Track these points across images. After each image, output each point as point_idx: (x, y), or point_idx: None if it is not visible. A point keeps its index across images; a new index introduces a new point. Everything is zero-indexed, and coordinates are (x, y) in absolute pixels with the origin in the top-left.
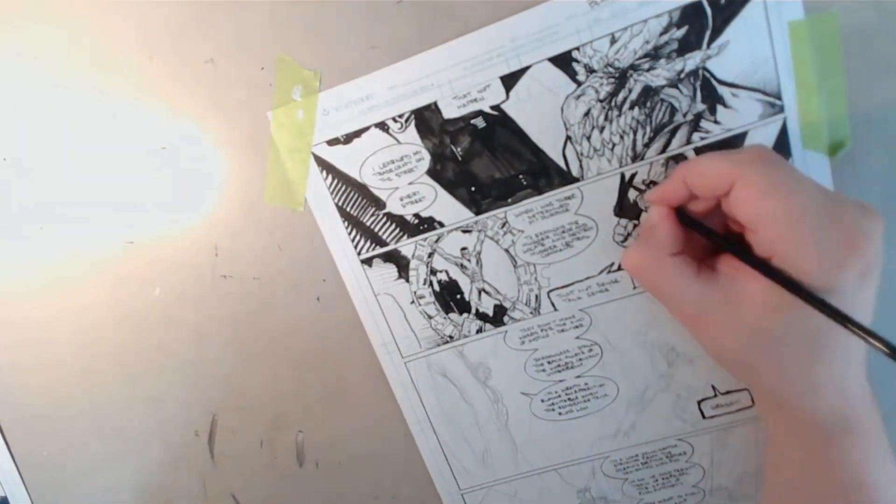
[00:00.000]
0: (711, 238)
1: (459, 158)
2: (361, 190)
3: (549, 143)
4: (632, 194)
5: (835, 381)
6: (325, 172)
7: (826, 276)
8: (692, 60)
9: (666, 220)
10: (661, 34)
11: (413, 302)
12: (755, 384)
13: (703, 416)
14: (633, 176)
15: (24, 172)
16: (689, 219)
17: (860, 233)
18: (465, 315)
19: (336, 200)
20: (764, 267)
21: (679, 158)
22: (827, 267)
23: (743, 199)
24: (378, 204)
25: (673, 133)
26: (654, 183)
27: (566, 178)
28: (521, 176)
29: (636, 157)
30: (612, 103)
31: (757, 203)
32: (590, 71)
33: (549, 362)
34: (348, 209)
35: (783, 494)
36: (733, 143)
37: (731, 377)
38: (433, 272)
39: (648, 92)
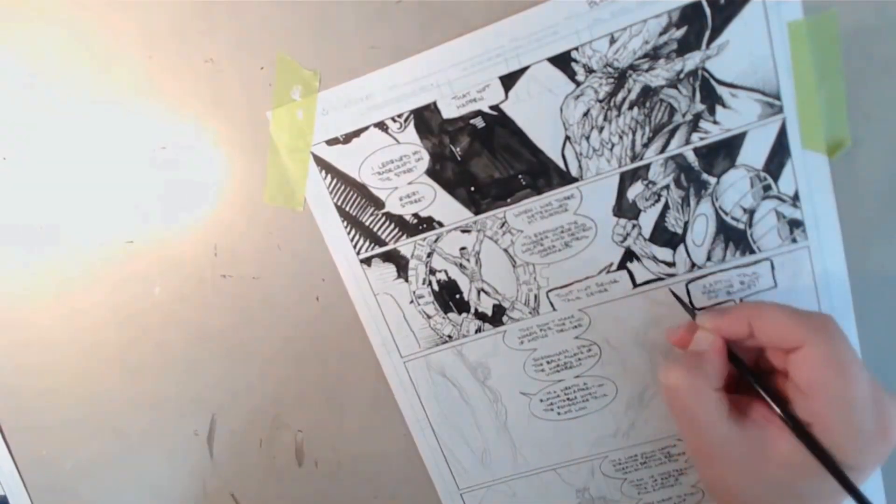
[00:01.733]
0: (758, 388)
1: (458, 158)
2: (361, 190)
3: (549, 143)
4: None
5: None
6: (324, 172)
7: (858, 458)
8: (691, 61)
9: (721, 353)
10: (661, 34)
11: (412, 301)
12: None
13: None
14: (634, 173)
15: (24, 172)
16: (736, 357)
17: (893, 425)
18: (464, 315)
19: (335, 200)
20: (806, 434)
21: (678, 159)
22: (862, 451)
23: (807, 365)
24: (377, 204)
25: (672, 133)
26: (652, 183)
27: (565, 178)
28: (520, 176)
29: (635, 158)
30: (612, 103)
31: (824, 375)
32: (589, 71)
33: (548, 362)
34: (348, 209)
35: None
36: (733, 143)
37: None
38: (432, 272)
39: (647, 92)
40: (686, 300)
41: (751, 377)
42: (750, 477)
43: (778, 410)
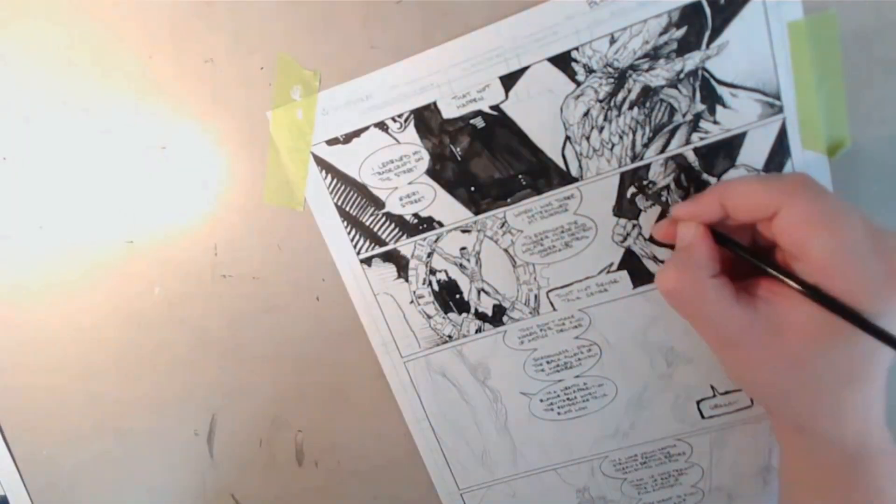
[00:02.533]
0: (755, 262)
1: (459, 158)
2: (361, 190)
3: (549, 143)
4: (632, 192)
5: (863, 408)
6: (324, 172)
7: (875, 303)
8: (691, 61)
9: (704, 239)
10: (661, 34)
11: (412, 301)
12: (781, 409)
13: (702, 416)
14: (634, 173)
15: (24, 172)
16: (726, 239)
17: None
18: (465, 315)
19: (335, 200)
20: (818, 293)
21: (678, 158)
22: (875, 294)
23: (790, 226)
24: (377, 204)
25: (672, 133)
26: (652, 183)
27: (565, 178)
28: (520, 176)
29: (635, 157)
30: (612, 103)
31: (806, 232)
32: (589, 71)
33: (548, 362)
34: (348, 209)
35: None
36: (733, 143)
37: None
38: (432, 272)
39: (648, 92)
40: (663, 199)
41: (743, 252)
42: (771, 357)
43: (779, 276)
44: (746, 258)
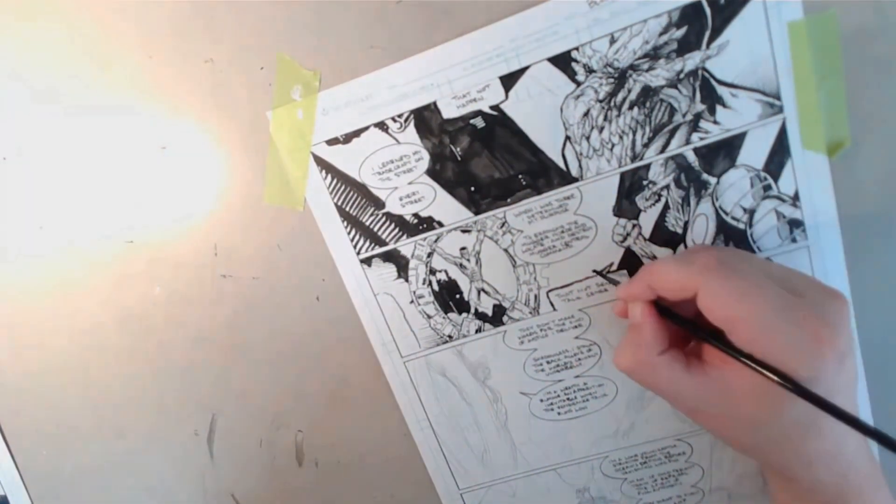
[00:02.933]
0: (696, 334)
1: (459, 158)
2: (361, 190)
3: (549, 143)
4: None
5: (829, 455)
6: (324, 172)
7: (806, 370)
8: (691, 61)
9: (648, 317)
10: (661, 34)
11: (412, 301)
12: (761, 463)
13: None
14: (634, 174)
15: (24, 172)
16: (671, 313)
17: (827, 324)
18: (465, 315)
19: (335, 200)
20: (753, 362)
21: (678, 159)
22: (803, 362)
23: (709, 306)
24: (377, 204)
25: (672, 133)
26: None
27: (565, 178)
28: (520, 176)
29: (635, 157)
30: (612, 103)
31: (724, 310)
32: (589, 71)
33: (548, 362)
34: (348, 209)
35: None
36: (733, 143)
37: None
38: (432, 272)
39: (648, 92)
40: (611, 276)
41: (684, 325)
42: (730, 420)
43: (718, 346)
44: (689, 331)
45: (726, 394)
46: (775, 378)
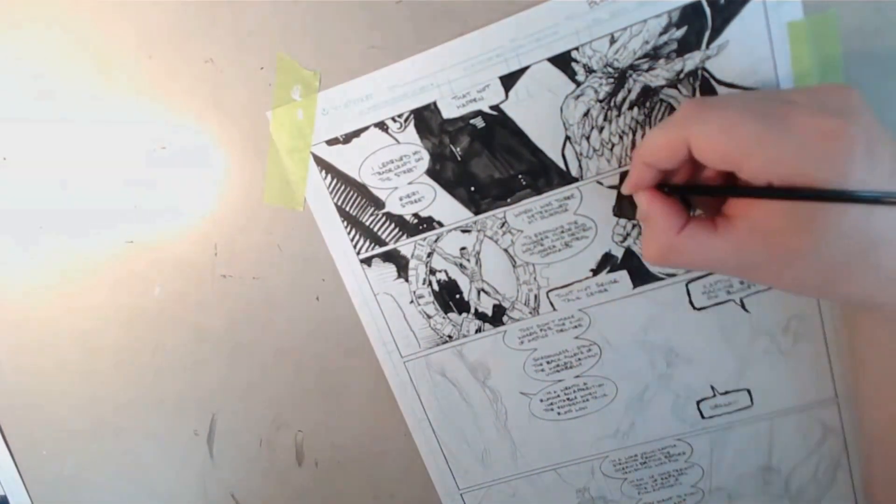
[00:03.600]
0: (705, 194)
1: (459, 158)
2: (361, 190)
3: (549, 143)
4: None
5: None
6: (324, 172)
7: (827, 173)
8: (691, 61)
9: (652, 202)
10: (661, 34)
11: (412, 301)
12: (844, 296)
13: (702, 417)
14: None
15: (24, 172)
16: (673, 188)
17: (832, 116)
18: (464, 315)
19: (335, 200)
20: (777, 192)
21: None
22: (822, 164)
23: (704, 154)
24: (377, 204)
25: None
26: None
27: (565, 179)
28: (520, 176)
29: None
30: (612, 103)
31: (718, 150)
32: (589, 71)
33: (548, 362)
34: (348, 209)
35: (888, 386)
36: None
37: (730, 377)
38: (432, 272)
39: (648, 92)
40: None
41: (688, 191)
42: (783, 262)
43: (731, 193)
44: (697, 194)
45: (765, 238)
46: (808, 196)
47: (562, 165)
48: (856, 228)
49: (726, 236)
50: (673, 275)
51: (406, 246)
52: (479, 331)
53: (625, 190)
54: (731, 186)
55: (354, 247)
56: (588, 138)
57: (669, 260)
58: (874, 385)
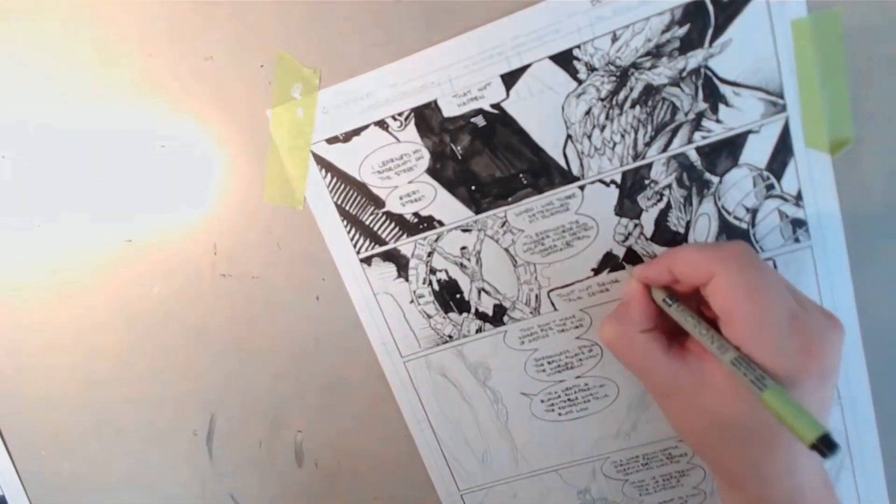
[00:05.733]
0: (675, 318)
1: (459, 157)
2: (361, 188)
3: (550, 141)
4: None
5: (786, 470)
6: (324, 171)
7: (785, 378)
8: (694, 59)
9: (640, 298)
10: (663, 32)
11: (412, 301)
12: (712, 465)
13: None
14: (636, 172)
15: (22, 170)
16: (665, 300)
17: (821, 342)
18: (465, 315)
19: (335, 199)
20: (738, 359)
21: (680, 158)
22: (787, 369)
23: (719, 294)
24: (377, 203)
25: (674, 132)
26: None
27: (567, 178)
28: (521, 175)
29: (637, 156)
30: (614, 102)
31: (731, 301)
32: (591, 69)
33: (549, 362)
34: (348, 208)
35: None
36: (735, 142)
37: None
38: (433, 271)
39: (650, 90)
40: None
41: (669, 309)
42: (695, 412)
43: (697, 335)
44: (671, 314)
45: (698, 383)
46: (746, 376)
47: (563, 164)
48: (768, 427)
49: (672, 361)
50: None
51: (406, 245)
52: (479, 331)
53: (639, 275)
54: (712, 334)
55: (354, 246)
56: (590, 137)
57: (619, 347)
58: None
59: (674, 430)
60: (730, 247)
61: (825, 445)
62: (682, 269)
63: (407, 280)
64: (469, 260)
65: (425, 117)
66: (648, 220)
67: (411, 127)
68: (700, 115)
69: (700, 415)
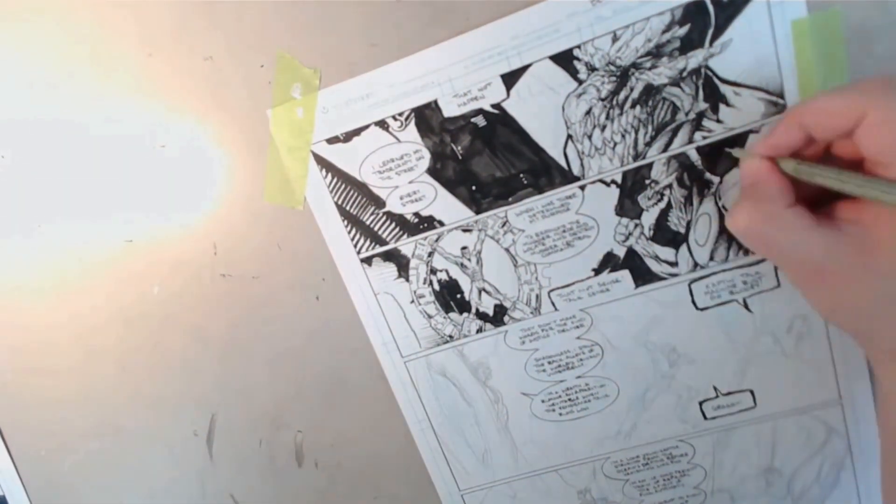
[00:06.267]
0: (835, 185)
1: (460, 157)
2: (361, 188)
3: (550, 141)
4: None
5: None
6: (324, 171)
7: None
8: (694, 59)
9: (771, 172)
10: (664, 32)
11: (413, 301)
12: (880, 336)
13: (705, 418)
14: (637, 172)
15: (22, 171)
16: (801, 166)
17: None
18: (465, 315)
19: (336, 199)
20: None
21: (681, 158)
22: None
23: (878, 130)
24: (378, 203)
25: (675, 132)
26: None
27: (567, 177)
28: (521, 175)
29: (637, 156)
30: (614, 102)
31: (893, 131)
32: (591, 69)
33: (549, 362)
34: (348, 208)
35: None
36: (736, 142)
37: (733, 378)
38: (433, 271)
39: (650, 90)
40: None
41: (816, 171)
42: (862, 279)
43: (862, 189)
44: (817, 181)
45: (862, 246)
46: None
47: (563, 164)
48: None
49: (827, 232)
50: (675, 274)
51: (407, 245)
52: (480, 331)
53: (758, 149)
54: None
55: (355, 246)
56: (590, 137)
57: (759, 231)
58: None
59: (823, 314)
60: (873, 79)
61: None
62: (819, 119)
63: (407, 280)
64: (469, 260)
65: (426, 117)
66: (649, 219)
67: (412, 127)
68: (700, 115)
69: (870, 283)
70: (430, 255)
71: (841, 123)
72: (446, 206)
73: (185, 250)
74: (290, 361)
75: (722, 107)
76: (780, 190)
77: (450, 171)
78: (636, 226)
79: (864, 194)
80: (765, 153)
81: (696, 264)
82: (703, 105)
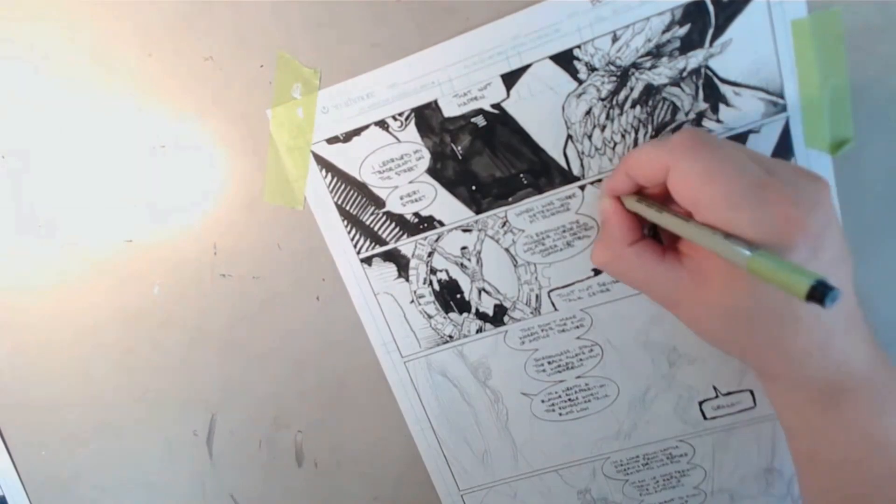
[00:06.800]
0: (651, 218)
1: (460, 157)
2: (361, 188)
3: (550, 141)
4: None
5: (818, 347)
6: (324, 171)
7: (779, 250)
8: (694, 59)
9: (615, 212)
10: (664, 32)
11: (413, 301)
12: (743, 359)
13: (705, 418)
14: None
15: (22, 171)
16: (636, 202)
17: (801, 206)
18: (465, 315)
19: (336, 199)
20: (714, 239)
21: None
22: (769, 243)
23: (678, 185)
24: (378, 203)
25: (675, 132)
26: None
27: (567, 178)
28: (521, 175)
29: None
30: (614, 102)
31: (691, 190)
32: (591, 69)
33: (549, 362)
34: (348, 208)
35: (803, 463)
36: (736, 141)
37: (732, 378)
38: (433, 271)
39: (650, 90)
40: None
41: (642, 206)
42: (708, 309)
43: (675, 228)
44: (646, 216)
45: (700, 280)
46: (730, 250)
47: (563, 164)
48: (777, 305)
49: (669, 266)
50: None
51: (407, 245)
52: (479, 331)
53: (602, 191)
54: (697, 226)
55: (355, 246)
56: (590, 137)
57: (613, 267)
58: (796, 458)
59: (697, 335)
60: (679, 135)
61: (822, 293)
62: (639, 170)
63: (407, 280)
64: (469, 260)
65: (426, 117)
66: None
67: (412, 127)
68: (700, 115)
69: (713, 311)
70: (430, 255)
71: (654, 175)
72: (446, 206)
73: (185, 250)
74: (290, 361)
75: (722, 107)
76: (622, 228)
77: (450, 171)
78: None
79: (681, 233)
80: (608, 194)
81: None
82: (703, 105)
